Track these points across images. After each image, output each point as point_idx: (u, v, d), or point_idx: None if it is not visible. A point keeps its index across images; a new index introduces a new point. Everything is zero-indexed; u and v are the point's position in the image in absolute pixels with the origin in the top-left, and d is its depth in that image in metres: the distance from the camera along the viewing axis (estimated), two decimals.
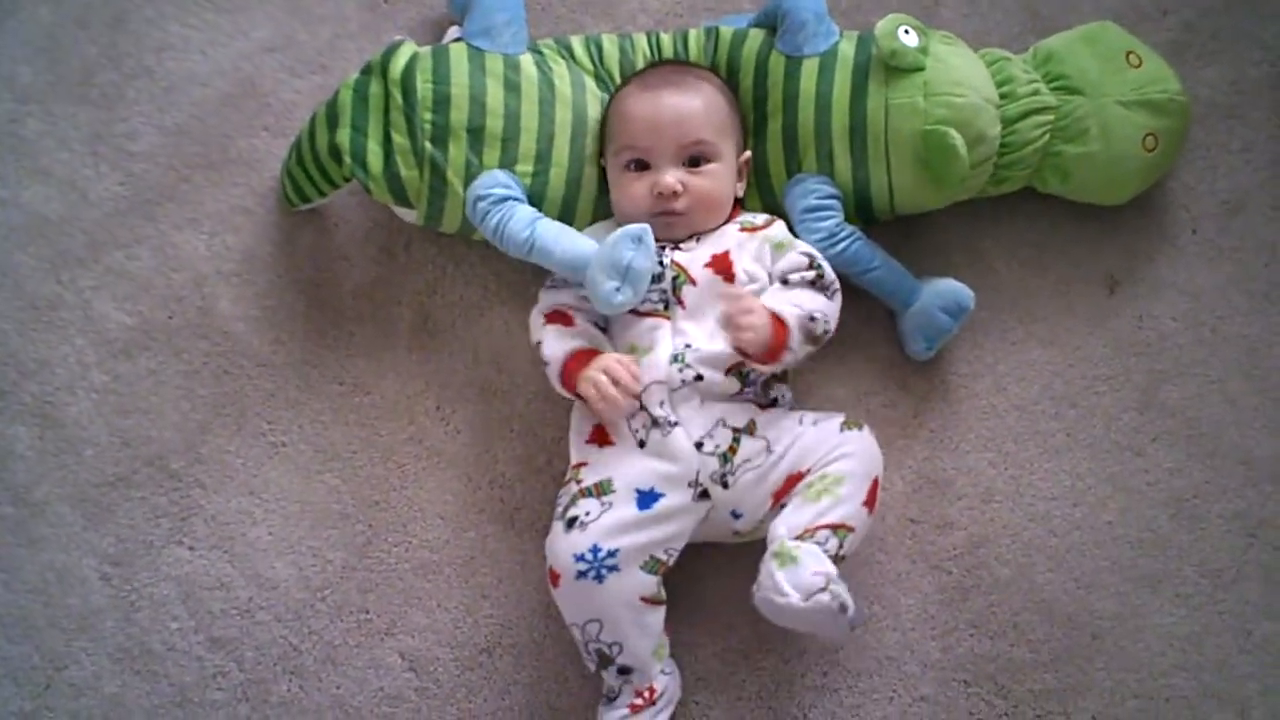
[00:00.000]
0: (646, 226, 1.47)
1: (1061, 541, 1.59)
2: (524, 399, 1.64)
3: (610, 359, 1.47)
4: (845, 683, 1.55)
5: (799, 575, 1.35)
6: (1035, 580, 1.58)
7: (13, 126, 1.76)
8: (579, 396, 1.48)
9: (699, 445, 1.45)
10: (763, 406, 1.50)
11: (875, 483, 1.46)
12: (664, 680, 1.47)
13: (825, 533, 1.40)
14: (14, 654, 1.58)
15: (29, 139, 1.75)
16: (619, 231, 1.46)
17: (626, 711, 1.45)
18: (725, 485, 1.46)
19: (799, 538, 1.39)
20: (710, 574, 1.55)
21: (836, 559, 1.38)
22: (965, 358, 1.65)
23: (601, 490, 1.46)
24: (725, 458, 1.45)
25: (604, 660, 1.45)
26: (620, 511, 1.44)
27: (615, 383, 1.45)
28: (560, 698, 1.56)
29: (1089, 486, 1.61)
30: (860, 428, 1.48)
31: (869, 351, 1.63)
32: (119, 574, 1.61)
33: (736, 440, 1.46)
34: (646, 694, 1.45)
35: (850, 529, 1.41)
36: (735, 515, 1.48)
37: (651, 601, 1.45)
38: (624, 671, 1.45)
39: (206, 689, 1.57)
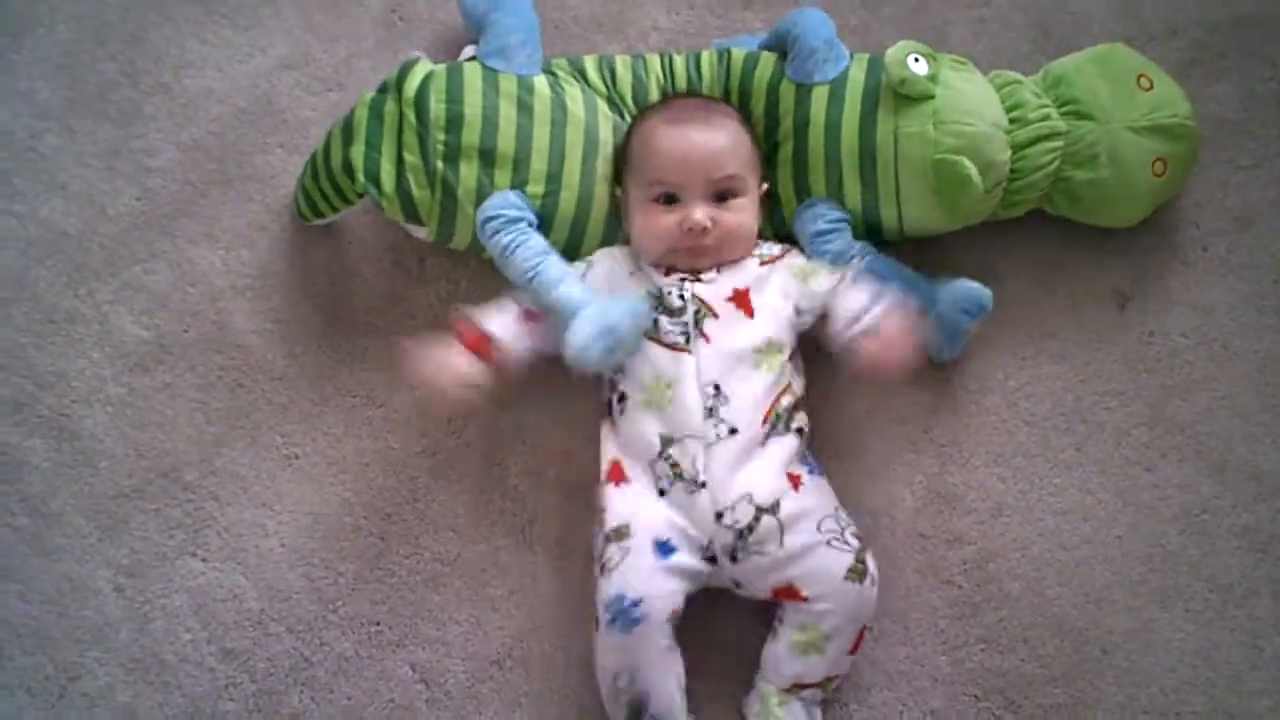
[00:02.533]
0: (648, 311, 1.50)
1: (1072, 556, 1.59)
2: (535, 412, 1.65)
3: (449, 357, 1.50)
4: (855, 697, 1.55)
5: None
6: (1045, 595, 1.58)
7: (32, 142, 1.78)
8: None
9: (719, 515, 1.45)
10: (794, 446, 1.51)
11: (862, 632, 1.48)
12: None
13: (813, 691, 1.48)
14: (28, 664, 1.59)
15: (47, 154, 1.77)
16: (626, 304, 1.49)
17: None
18: (734, 559, 1.46)
19: (788, 689, 1.47)
20: (720, 592, 1.55)
21: (825, 701, 1.51)
22: (976, 373, 1.65)
23: (620, 536, 1.47)
24: (741, 535, 1.45)
25: (634, 711, 1.44)
26: (639, 559, 1.45)
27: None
28: (571, 710, 1.56)
29: (1099, 502, 1.61)
30: (862, 579, 1.45)
31: None
32: (133, 585, 1.62)
33: (757, 519, 1.45)
34: None
35: (836, 678, 1.49)
36: (736, 584, 1.49)
37: (672, 648, 1.45)
38: None
39: (219, 700, 1.58)
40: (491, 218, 1.55)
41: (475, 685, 1.57)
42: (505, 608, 1.60)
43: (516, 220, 1.55)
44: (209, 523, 1.63)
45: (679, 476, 1.47)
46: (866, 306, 1.50)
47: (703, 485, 1.46)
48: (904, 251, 1.64)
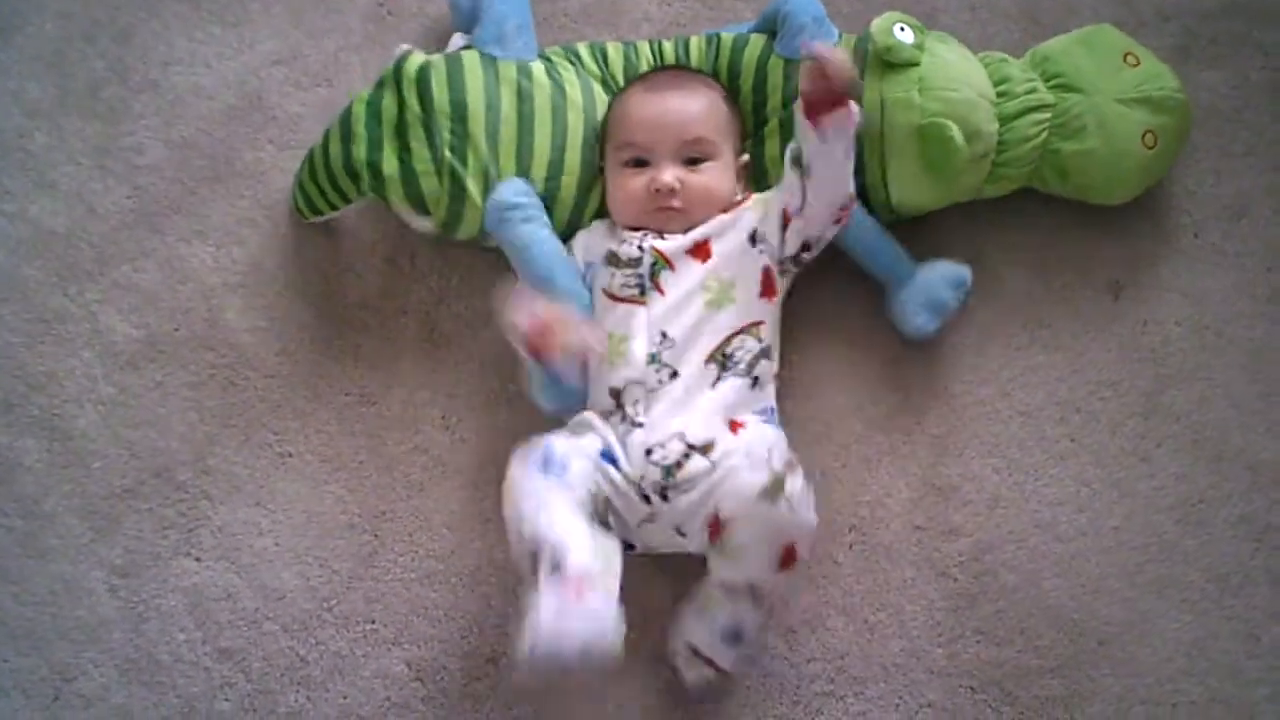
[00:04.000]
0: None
1: (1067, 547, 1.59)
2: (530, 409, 1.63)
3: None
4: (851, 689, 1.55)
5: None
6: (1041, 586, 1.58)
7: (20, 141, 1.77)
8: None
9: (648, 452, 1.46)
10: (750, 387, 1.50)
11: (788, 550, 1.39)
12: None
13: (745, 604, 1.44)
14: (22, 665, 1.59)
15: (36, 153, 1.76)
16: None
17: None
18: (665, 498, 1.45)
19: (720, 583, 1.43)
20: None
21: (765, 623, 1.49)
22: (969, 363, 1.65)
23: (576, 428, 1.49)
24: (669, 471, 1.45)
25: (531, 560, 1.33)
26: (584, 444, 1.45)
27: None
28: (568, 706, 1.55)
29: (1094, 492, 1.61)
30: (774, 499, 1.36)
31: (872, 357, 1.64)
32: (127, 585, 1.61)
33: (686, 456, 1.44)
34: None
35: (760, 589, 1.42)
36: (681, 534, 1.47)
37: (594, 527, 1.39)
38: (555, 567, 1.31)
39: (214, 700, 1.58)
40: (513, 205, 1.56)
41: (471, 683, 1.57)
42: (501, 605, 1.59)
43: (532, 210, 1.57)
44: (202, 522, 1.63)
45: (623, 419, 1.48)
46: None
47: (639, 425, 1.47)
48: (897, 236, 1.63)
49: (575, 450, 1.44)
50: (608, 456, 1.46)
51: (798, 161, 1.48)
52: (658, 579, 1.54)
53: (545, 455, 1.40)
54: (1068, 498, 1.60)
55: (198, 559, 1.62)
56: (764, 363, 1.52)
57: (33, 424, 1.67)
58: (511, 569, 1.59)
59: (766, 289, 1.54)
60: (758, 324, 1.52)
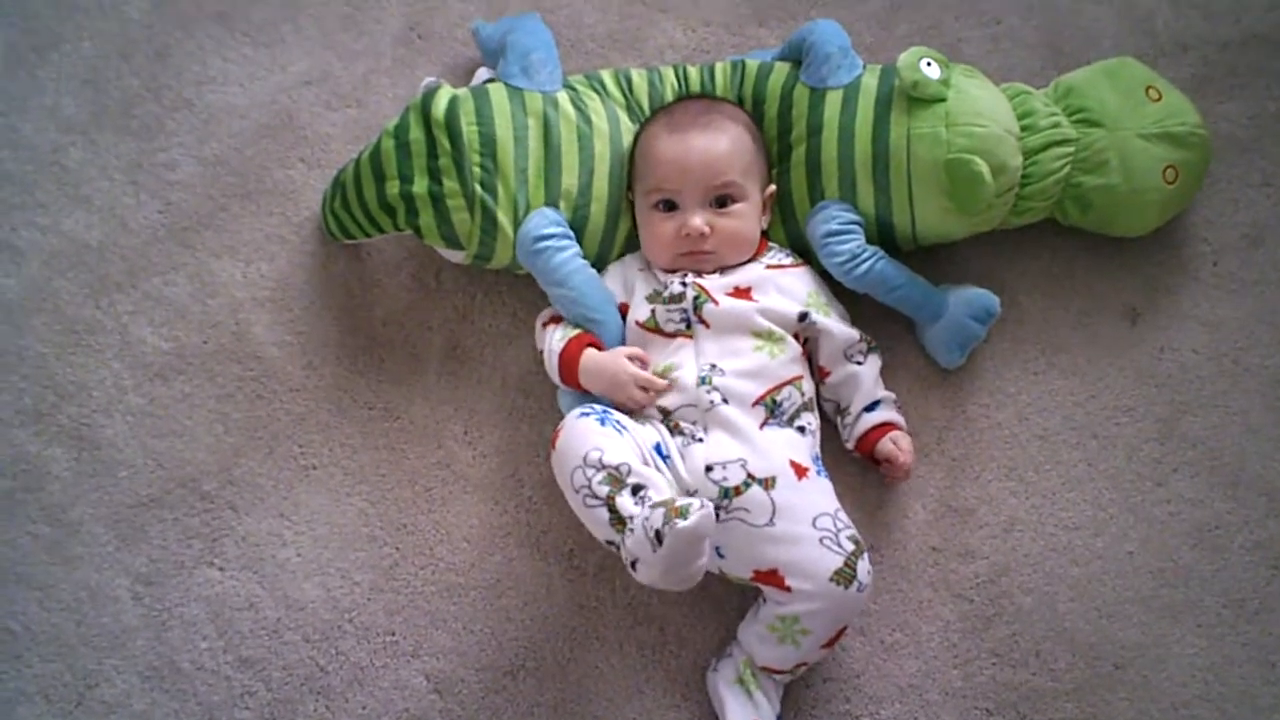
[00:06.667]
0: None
1: (1083, 571, 1.59)
2: (551, 424, 1.63)
3: (625, 358, 1.54)
4: (867, 710, 1.56)
5: (743, 715, 1.49)
6: (1057, 609, 1.58)
7: (56, 155, 1.80)
8: (577, 387, 1.56)
9: (709, 468, 1.47)
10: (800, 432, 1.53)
11: (841, 631, 1.48)
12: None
13: (786, 676, 1.51)
14: (46, 671, 1.61)
15: (71, 167, 1.79)
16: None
17: (651, 511, 1.33)
18: (715, 518, 1.44)
19: (764, 667, 1.49)
20: (729, 597, 1.56)
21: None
22: (987, 387, 1.66)
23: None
24: (727, 493, 1.46)
25: (615, 484, 1.38)
26: (639, 424, 1.50)
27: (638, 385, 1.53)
28: None
29: (1111, 516, 1.61)
30: (849, 584, 1.44)
31: (891, 378, 1.64)
32: (150, 594, 1.63)
33: (747, 485, 1.46)
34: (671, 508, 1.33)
35: (805, 665, 1.50)
36: (719, 554, 1.49)
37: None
38: (639, 490, 1.38)
39: (234, 708, 1.59)
40: (544, 237, 1.57)
41: (489, 695, 1.58)
42: (519, 618, 1.60)
43: (565, 240, 1.58)
44: (226, 532, 1.65)
45: (678, 433, 1.49)
46: (867, 403, 1.58)
47: (699, 440, 1.48)
48: (917, 263, 1.65)
49: (631, 424, 1.47)
50: (660, 452, 1.48)
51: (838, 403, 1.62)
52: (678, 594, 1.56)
53: (602, 414, 1.46)
54: (1084, 521, 1.61)
55: (221, 569, 1.64)
56: (807, 414, 1.54)
57: (61, 433, 1.69)
58: (529, 582, 1.61)
59: (803, 357, 1.57)
60: (799, 378, 1.54)
